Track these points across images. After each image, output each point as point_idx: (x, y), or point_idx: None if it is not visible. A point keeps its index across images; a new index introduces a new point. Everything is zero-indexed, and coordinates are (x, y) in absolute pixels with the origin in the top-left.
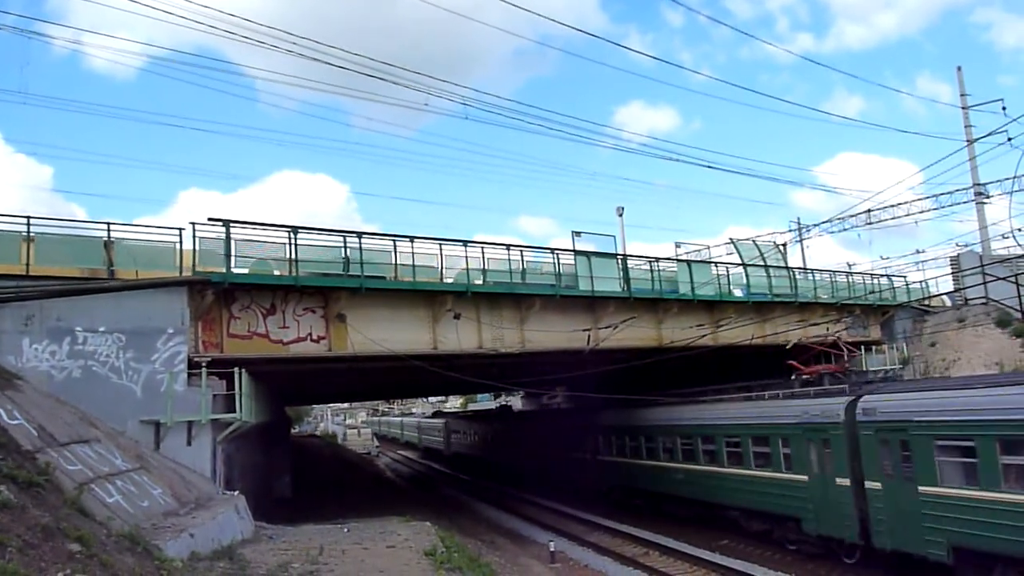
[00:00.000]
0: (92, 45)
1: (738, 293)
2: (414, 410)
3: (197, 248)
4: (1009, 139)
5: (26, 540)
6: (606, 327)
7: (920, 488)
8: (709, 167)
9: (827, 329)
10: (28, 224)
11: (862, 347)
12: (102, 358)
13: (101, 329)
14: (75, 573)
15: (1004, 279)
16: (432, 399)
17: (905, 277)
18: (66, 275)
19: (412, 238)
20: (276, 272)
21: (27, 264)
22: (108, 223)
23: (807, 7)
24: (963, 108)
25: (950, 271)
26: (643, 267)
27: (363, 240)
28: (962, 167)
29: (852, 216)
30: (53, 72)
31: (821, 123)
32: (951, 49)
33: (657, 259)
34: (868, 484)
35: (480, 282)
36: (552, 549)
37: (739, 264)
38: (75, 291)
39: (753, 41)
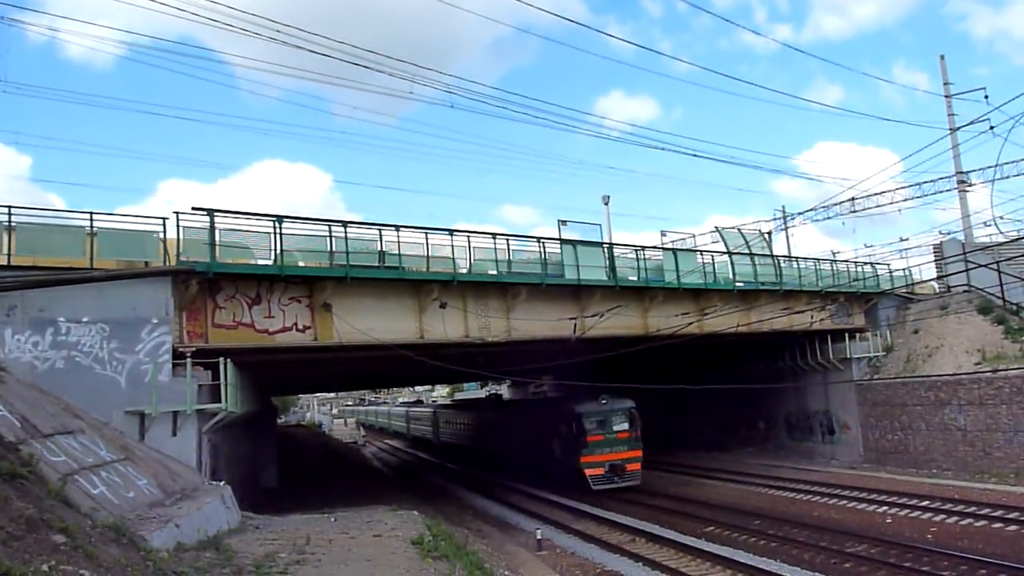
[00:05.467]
0: (69, 32)
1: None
2: (400, 399)
3: (181, 237)
4: (991, 127)
5: (10, 532)
6: (592, 315)
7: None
8: (693, 155)
9: (811, 317)
10: (9, 213)
11: (846, 334)
12: (86, 348)
13: (84, 319)
14: (60, 565)
15: (986, 266)
16: (419, 388)
17: (889, 265)
18: (48, 265)
19: (398, 227)
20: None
21: (8, 254)
22: (91, 213)
23: None
24: (946, 97)
25: (933, 259)
26: (629, 256)
27: (348, 229)
28: (943, 155)
29: (836, 204)
30: (29, 60)
31: (801, 111)
32: (928, 39)
33: (643, 247)
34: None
35: (466, 271)
36: (539, 537)
37: (724, 252)
38: (57, 281)
39: (731, 32)
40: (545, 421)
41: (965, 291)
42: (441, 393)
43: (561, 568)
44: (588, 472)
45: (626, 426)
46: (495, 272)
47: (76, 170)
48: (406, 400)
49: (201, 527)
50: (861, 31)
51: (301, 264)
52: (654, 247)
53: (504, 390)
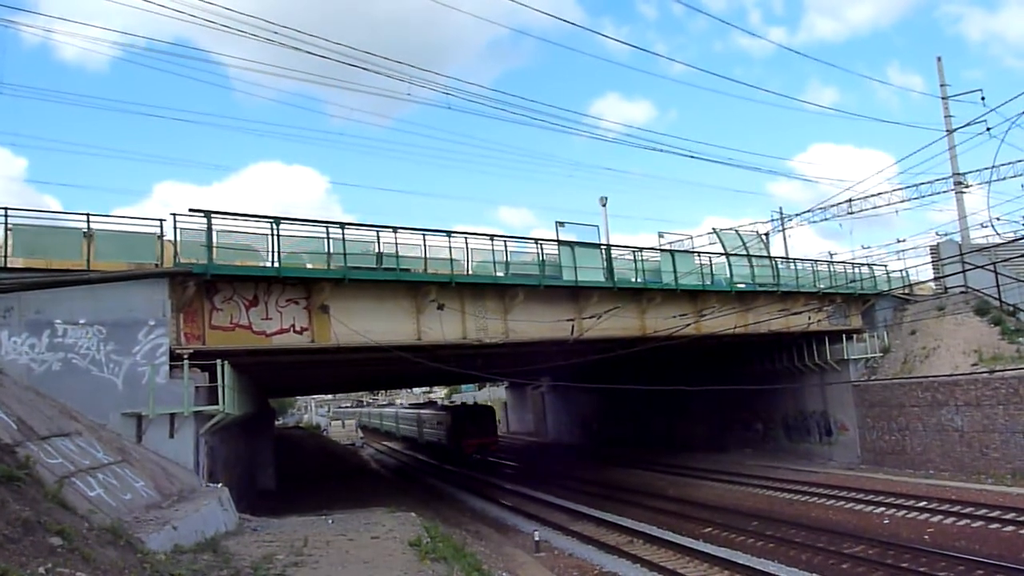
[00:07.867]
0: (64, 33)
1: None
2: (399, 401)
3: (178, 239)
4: (988, 128)
5: (6, 535)
6: (590, 317)
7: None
8: (690, 157)
9: (809, 318)
10: (5, 215)
11: (843, 335)
12: (82, 351)
13: (81, 321)
14: (57, 567)
15: (983, 268)
16: (417, 390)
17: (886, 266)
18: (45, 267)
19: (395, 228)
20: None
21: (5, 256)
22: (87, 214)
23: (780, 1)
24: (943, 98)
25: (930, 260)
26: (627, 257)
27: (346, 231)
28: (939, 157)
29: (833, 206)
30: (24, 62)
31: (796, 113)
32: (921, 42)
33: (641, 249)
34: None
35: (464, 273)
36: (536, 538)
37: (722, 254)
38: (54, 283)
39: (726, 35)
40: (448, 418)
41: (962, 292)
42: (440, 395)
43: (559, 569)
44: (466, 450)
45: (489, 421)
46: (493, 274)
47: (72, 172)
48: (383, 403)
49: (198, 529)
50: (855, 33)
51: (307, 266)
52: (652, 248)
53: (502, 392)
